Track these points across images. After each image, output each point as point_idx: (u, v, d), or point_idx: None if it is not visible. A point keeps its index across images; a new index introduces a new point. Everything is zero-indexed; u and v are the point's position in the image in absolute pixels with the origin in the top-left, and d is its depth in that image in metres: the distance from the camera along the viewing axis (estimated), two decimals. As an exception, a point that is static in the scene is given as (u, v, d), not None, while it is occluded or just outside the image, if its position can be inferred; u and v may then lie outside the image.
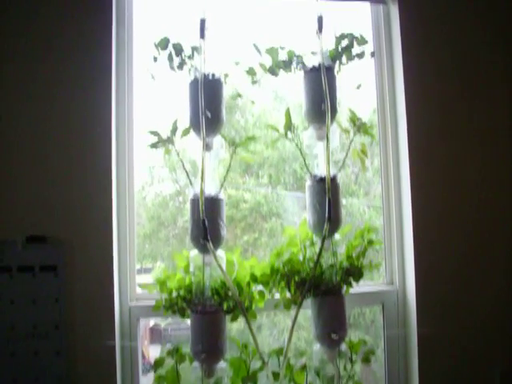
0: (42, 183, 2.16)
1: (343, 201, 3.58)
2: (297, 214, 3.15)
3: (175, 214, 3.34)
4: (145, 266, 3.45)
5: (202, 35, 2.07)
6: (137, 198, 3.68)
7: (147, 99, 2.39)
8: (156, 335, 3.87)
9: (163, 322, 3.89)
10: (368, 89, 2.57)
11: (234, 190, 3.46)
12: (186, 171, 2.10)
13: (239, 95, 2.19)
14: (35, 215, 2.15)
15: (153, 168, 3.56)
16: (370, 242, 2.15)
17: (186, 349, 2.08)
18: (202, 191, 2.00)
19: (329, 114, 2.06)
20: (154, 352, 3.13)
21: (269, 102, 3.44)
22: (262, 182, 3.53)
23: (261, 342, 2.14)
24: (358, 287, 2.33)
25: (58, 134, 2.17)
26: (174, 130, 2.09)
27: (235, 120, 3.43)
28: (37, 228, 2.14)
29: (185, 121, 2.12)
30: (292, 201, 3.22)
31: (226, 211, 2.11)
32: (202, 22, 2.08)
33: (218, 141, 2.11)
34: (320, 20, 2.14)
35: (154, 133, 2.09)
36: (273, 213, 3.21)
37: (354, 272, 2.13)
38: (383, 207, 2.50)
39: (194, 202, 2.03)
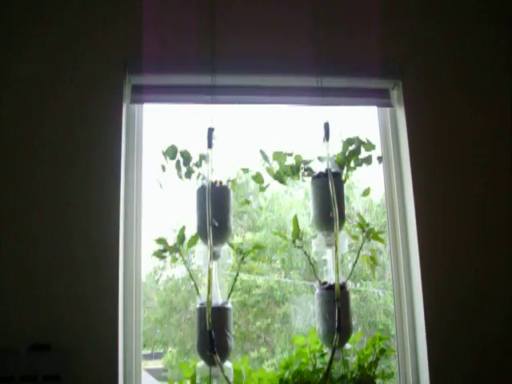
0: (48, 291, 2.14)
1: (357, 285, 3.54)
2: (311, 298, 3.08)
3: (187, 298, 3.30)
4: (155, 351, 3.40)
5: (210, 144, 2.09)
6: (149, 281, 3.65)
7: (155, 206, 2.39)
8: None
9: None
10: (377, 191, 2.57)
11: (247, 275, 3.43)
12: (193, 279, 2.07)
13: (247, 202, 2.19)
14: (39, 323, 2.11)
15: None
16: (382, 351, 2.10)
17: None
18: (208, 302, 1.97)
19: (337, 222, 2.05)
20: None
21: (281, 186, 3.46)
22: (275, 267, 3.51)
23: None
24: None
25: (65, 240, 2.17)
26: (182, 238, 2.08)
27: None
28: (41, 336, 2.10)
29: (192, 228, 2.11)
30: (306, 286, 3.17)
31: (238, 296, 2.07)
32: (210, 131, 2.10)
33: (225, 249, 2.09)
34: (327, 127, 2.16)
35: (161, 241, 2.08)
36: (286, 298, 3.16)
37: (366, 383, 2.06)
38: (396, 317, 2.44)
39: (201, 311, 1.99)
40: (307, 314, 2.95)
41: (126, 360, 2.23)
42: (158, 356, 3.36)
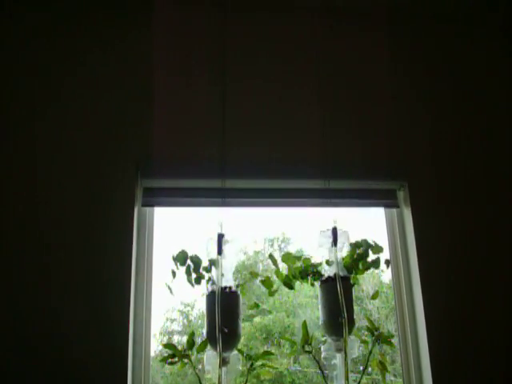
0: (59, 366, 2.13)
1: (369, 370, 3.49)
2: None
3: (194, 383, 3.27)
4: None
5: (220, 251, 2.12)
6: (154, 364, 3.61)
7: (164, 309, 2.40)
8: None
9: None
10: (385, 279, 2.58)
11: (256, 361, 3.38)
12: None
13: (257, 305, 2.20)
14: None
15: (172, 334, 3.53)
16: None
17: None
18: (218, 412, 1.95)
19: (346, 328, 2.05)
20: None
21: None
22: (283, 351, 3.47)
23: None
24: None
25: (77, 342, 2.17)
26: (191, 343, 2.08)
27: (256, 285, 3.45)
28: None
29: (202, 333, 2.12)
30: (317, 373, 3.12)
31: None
32: (220, 237, 2.13)
33: (234, 355, 2.09)
34: (335, 232, 2.19)
35: (170, 346, 2.08)
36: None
37: None
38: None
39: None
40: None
41: None
42: None
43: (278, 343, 3.70)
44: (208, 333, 2.08)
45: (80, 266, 2.25)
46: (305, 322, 2.14)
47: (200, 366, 2.25)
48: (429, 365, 2.30)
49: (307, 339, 2.11)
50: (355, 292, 2.29)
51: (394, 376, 3.39)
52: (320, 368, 2.12)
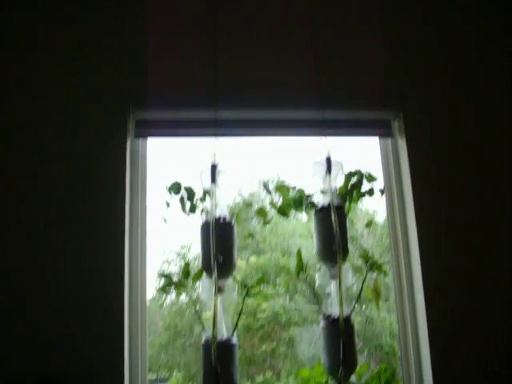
0: (53, 324, 2.14)
1: (362, 307, 3.54)
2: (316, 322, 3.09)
3: (192, 322, 3.31)
4: (161, 376, 3.39)
5: (214, 180, 2.10)
6: (153, 306, 3.64)
7: (160, 241, 2.40)
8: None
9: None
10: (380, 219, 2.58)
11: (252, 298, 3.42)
12: (199, 314, 2.08)
13: (251, 235, 2.20)
14: (46, 356, 2.12)
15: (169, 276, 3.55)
16: (388, 383, 2.09)
17: None
18: (214, 338, 1.97)
19: (340, 255, 2.05)
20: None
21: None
22: (279, 291, 3.51)
23: None
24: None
25: (72, 269, 2.18)
26: (186, 273, 2.09)
27: (252, 225, 3.47)
28: (47, 369, 2.10)
29: (197, 262, 2.12)
30: (311, 310, 3.17)
31: (243, 320, 2.06)
32: (213, 167, 2.11)
33: (229, 283, 2.10)
34: (328, 161, 2.17)
35: (166, 276, 2.09)
36: (291, 322, 3.17)
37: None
38: (400, 340, 2.44)
39: (206, 347, 2.00)
40: (313, 338, 2.95)
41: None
42: (163, 380, 3.36)
43: (273, 283, 3.72)
44: (203, 262, 2.09)
45: (72, 200, 2.24)
46: (299, 251, 2.14)
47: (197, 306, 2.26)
48: (423, 299, 2.34)
49: (302, 267, 2.12)
50: (349, 231, 2.28)
51: (388, 312, 3.44)
52: (314, 295, 2.13)
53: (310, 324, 3.13)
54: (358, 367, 2.11)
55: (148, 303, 3.70)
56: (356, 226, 3.21)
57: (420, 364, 2.37)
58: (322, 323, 2.10)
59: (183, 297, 3.67)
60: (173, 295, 3.81)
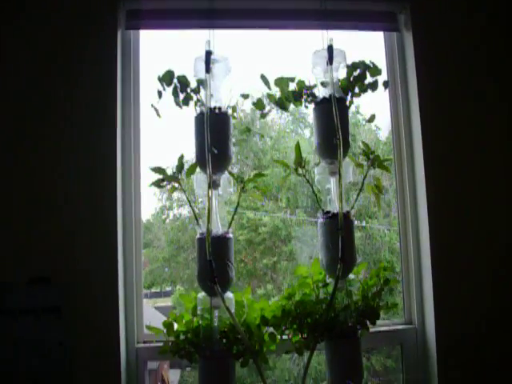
0: (45, 223, 2.09)
1: (363, 223, 3.51)
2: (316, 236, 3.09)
3: (194, 236, 3.37)
4: (164, 289, 3.42)
5: (208, 69, 1.99)
6: (156, 221, 3.63)
7: (153, 135, 2.32)
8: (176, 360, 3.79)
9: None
10: (383, 117, 2.47)
11: (253, 213, 3.42)
12: (193, 209, 2.02)
13: (248, 130, 2.10)
14: (38, 256, 2.08)
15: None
16: (387, 282, 2.05)
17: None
18: (208, 231, 1.91)
19: (341, 149, 1.96)
20: (173, 377, 3.08)
21: (287, 124, 3.41)
22: (281, 206, 3.48)
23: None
24: (375, 327, 2.23)
25: (62, 170, 2.11)
26: (180, 167, 2.01)
27: (253, 142, 3.41)
28: (40, 268, 2.07)
29: (191, 157, 2.04)
30: (311, 223, 3.15)
31: (245, 234, 2.01)
32: (208, 54, 2.00)
33: (225, 177, 2.02)
34: (330, 50, 2.04)
35: (159, 170, 2.01)
36: (292, 236, 3.14)
37: (369, 313, 2.02)
38: (401, 245, 2.39)
39: (201, 241, 1.94)
40: (312, 251, 2.92)
41: (127, 292, 2.20)
42: (167, 294, 3.38)
43: (275, 198, 3.67)
44: (197, 155, 2.00)
45: (62, 94, 2.14)
46: (298, 144, 2.05)
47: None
48: (425, 207, 2.27)
49: (300, 161, 2.03)
50: (351, 149, 2.19)
51: (388, 230, 3.39)
52: (313, 191, 2.05)
53: (311, 239, 3.10)
54: (356, 265, 2.06)
55: (151, 219, 3.69)
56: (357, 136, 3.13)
57: (420, 274, 2.33)
58: (320, 219, 2.03)
59: (185, 211, 3.64)
60: (175, 210, 3.79)
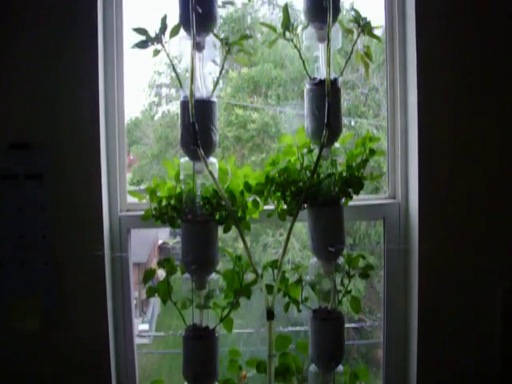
0: (27, 89, 2.03)
1: (352, 122, 3.48)
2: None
3: None
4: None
5: None
6: (144, 118, 3.58)
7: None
8: (164, 253, 3.86)
9: (172, 241, 3.87)
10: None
11: (242, 109, 3.38)
12: (176, 72, 1.96)
13: (247, 37, 2.00)
14: (18, 120, 2.04)
15: (160, 87, 3.46)
16: (372, 152, 2.02)
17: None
18: (191, 93, 1.86)
19: (331, 11, 1.89)
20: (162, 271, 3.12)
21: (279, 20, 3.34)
22: (271, 103, 3.45)
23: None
24: (359, 200, 2.23)
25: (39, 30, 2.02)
26: (163, 28, 1.93)
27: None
28: (20, 134, 2.03)
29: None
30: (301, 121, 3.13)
31: (233, 131, 1.97)
32: None
33: (210, 40, 1.95)
34: None
35: (141, 31, 1.94)
36: (281, 133, 3.14)
37: (353, 183, 2.01)
38: (388, 115, 2.35)
39: (184, 104, 1.90)
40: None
41: (110, 160, 2.18)
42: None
43: (265, 94, 3.61)
44: (181, 15, 1.92)
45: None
46: (286, 6, 1.97)
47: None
48: (415, 101, 2.19)
49: (288, 24, 1.96)
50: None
51: (377, 129, 3.36)
52: (301, 57, 1.99)
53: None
54: (342, 134, 2.03)
55: (140, 116, 3.63)
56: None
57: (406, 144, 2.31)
58: (306, 86, 1.98)
59: (174, 107, 3.58)
60: (164, 107, 3.74)
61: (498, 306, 2.21)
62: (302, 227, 3.37)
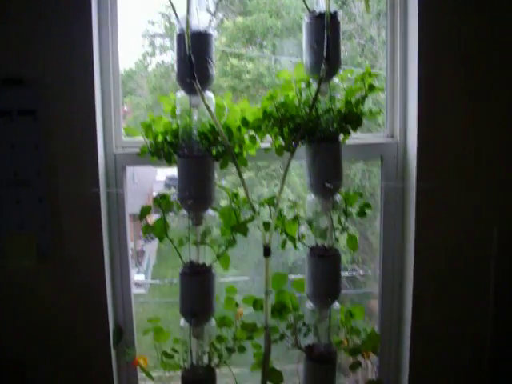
0: (18, 23, 1.98)
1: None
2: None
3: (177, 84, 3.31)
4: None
5: None
6: (138, 69, 3.52)
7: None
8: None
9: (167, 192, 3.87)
10: None
11: (237, 59, 3.33)
12: (172, 3, 1.91)
13: None
14: (10, 55, 1.99)
15: (154, 37, 3.40)
16: (371, 88, 1.99)
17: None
18: (187, 24, 1.82)
19: None
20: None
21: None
22: (266, 52, 3.40)
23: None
24: (358, 139, 2.21)
25: None
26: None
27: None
28: (12, 69, 1.99)
29: None
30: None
31: (228, 81, 1.93)
32: None
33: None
34: None
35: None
36: (276, 84, 3.09)
37: (352, 119, 1.98)
38: (387, 55, 2.31)
39: (180, 37, 1.86)
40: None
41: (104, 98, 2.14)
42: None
43: (260, 45, 3.56)
44: None
45: None
46: None
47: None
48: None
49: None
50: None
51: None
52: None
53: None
54: (341, 70, 2.00)
55: (134, 67, 3.57)
56: None
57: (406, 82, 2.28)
58: (306, 19, 1.94)
59: (169, 58, 3.52)
60: (158, 57, 3.66)
61: (493, 245, 2.21)
62: (297, 178, 3.36)
